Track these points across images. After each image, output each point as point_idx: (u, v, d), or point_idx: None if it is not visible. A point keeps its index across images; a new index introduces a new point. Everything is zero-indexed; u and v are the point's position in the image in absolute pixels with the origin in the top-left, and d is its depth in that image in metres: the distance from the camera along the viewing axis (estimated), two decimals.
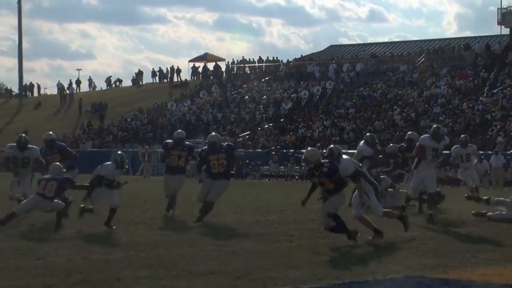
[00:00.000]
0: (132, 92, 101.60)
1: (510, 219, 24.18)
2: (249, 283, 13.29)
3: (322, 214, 19.07)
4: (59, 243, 18.26)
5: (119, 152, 21.78)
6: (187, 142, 25.82)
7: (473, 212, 27.89)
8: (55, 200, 20.69)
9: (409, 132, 31.63)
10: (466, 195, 29.41)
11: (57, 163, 21.81)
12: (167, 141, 25.99)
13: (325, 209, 18.43)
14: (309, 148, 20.63)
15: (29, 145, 25.18)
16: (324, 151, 22.93)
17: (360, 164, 20.46)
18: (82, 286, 12.78)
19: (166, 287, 12.84)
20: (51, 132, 27.44)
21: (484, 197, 26.80)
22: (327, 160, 18.93)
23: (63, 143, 28.94)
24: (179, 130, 29.54)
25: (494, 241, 19.52)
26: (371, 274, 14.46)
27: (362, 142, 29.74)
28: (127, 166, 21.57)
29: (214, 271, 14.39)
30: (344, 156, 19.75)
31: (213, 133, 27.65)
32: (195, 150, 26.12)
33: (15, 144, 25.29)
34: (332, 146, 20.66)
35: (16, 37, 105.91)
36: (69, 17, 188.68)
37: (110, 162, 21.42)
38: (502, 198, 26.78)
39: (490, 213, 25.93)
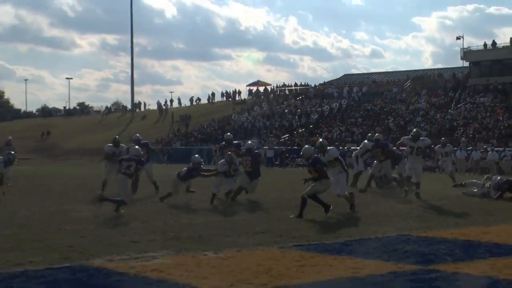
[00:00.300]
0: (207, 107, 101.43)
1: (479, 195, 24.48)
2: (289, 240, 13.63)
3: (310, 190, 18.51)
4: (158, 211, 18.69)
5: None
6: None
7: (453, 185, 28.23)
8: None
9: (376, 134, 31.22)
10: (453, 184, 29.54)
11: (137, 147, 21.35)
12: (222, 143, 25.98)
13: (311, 189, 18.19)
14: (306, 146, 20.39)
15: (121, 144, 25.46)
16: (341, 148, 23.34)
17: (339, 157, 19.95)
18: (174, 241, 13.22)
19: (231, 242, 13.16)
20: (137, 134, 27.56)
21: (463, 182, 27.20)
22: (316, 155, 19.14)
23: (147, 141, 28.11)
24: (228, 133, 29.74)
25: (461, 210, 19.54)
26: (373, 233, 14.80)
27: (365, 140, 29.89)
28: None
29: (264, 231, 14.81)
30: (331, 147, 20.26)
31: (249, 141, 27.56)
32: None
33: (111, 144, 25.60)
34: (321, 140, 20.83)
35: (129, 70, 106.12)
36: (165, 56, 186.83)
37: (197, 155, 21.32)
38: (475, 180, 27.14)
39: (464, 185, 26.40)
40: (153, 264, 10.69)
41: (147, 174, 25.52)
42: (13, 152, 17.11)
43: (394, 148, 28.40)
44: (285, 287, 9.04)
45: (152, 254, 11.68)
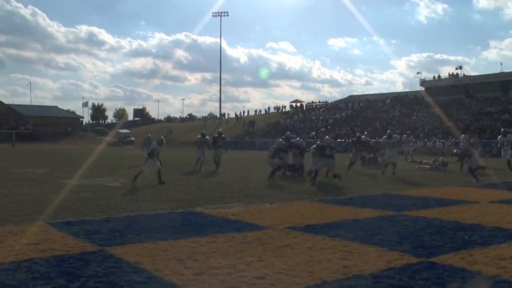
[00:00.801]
0: (265, 116, 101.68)
1: (430, 169, 24.22)
2: (315, 196, 13.68)
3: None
4: (235, 179, 18.47)
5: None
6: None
7: (410, 160, 27.93)
8: None
9: (358, 133, 30.45)
10: (410, 160, 29.23)
11: None
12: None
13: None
14: (297, 139, 20.66)
15: (206, 136, 24.63)
16: (346, 140, 22.84)
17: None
18: (245, 197, 13.24)
19: (280, 197, 13.14)
20: (220, 130, 26.18)
21: (420, 161, 26.93)
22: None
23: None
24: (288, 132, 29.20)
25: (419, 179, 19.45)
26: (366, 192, 14.68)
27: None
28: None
29: (300, 191, 14.80)
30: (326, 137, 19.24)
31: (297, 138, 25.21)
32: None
33: (200, 135, 24.70)
34: (327, 136, 20.45)
35: (218, 94, 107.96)
36: (239, 85, 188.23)
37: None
38: (426, 160, 26.82)
39: (422, 165, 26.07)
40: (232, 211, 10.79)
41: (218, 155, 23.82)
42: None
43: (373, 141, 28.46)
44: (313, 225, 9.01)
45: (231, 205, 11.75)
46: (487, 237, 8.04)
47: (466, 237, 8.06)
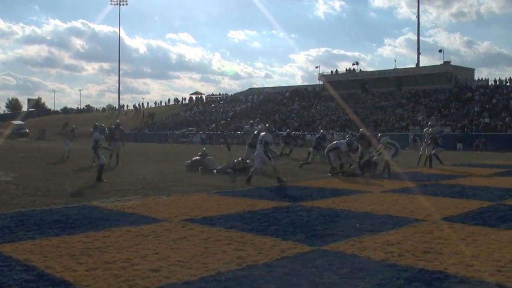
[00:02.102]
0: (165, 108, 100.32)
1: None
2: (213, 188, 13.67)
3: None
4: (132, 172, 18.23)
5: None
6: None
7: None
8: None
9: (322, 130, 28.64)
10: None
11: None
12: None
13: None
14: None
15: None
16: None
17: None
18: (142, 190, 13.06)
19: (177, 190, 13.04)
20: (118, 121, 25.52)
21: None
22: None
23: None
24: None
25: (314, 171, 20.09)
26: (264, 184, 14.88)
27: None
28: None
29: (198, 183, 14.76)
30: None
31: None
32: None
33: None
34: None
35: (117, 85, 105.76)
36: (138, 76, 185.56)
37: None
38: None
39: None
40: (129, 204, 10.69)
41: (116, 148, 22.61)
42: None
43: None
44: (210, 217, 9.07)
45: (128, 198, 11.63)
46: (377, 225, 8.43)
47: (357, 225, 8.40)
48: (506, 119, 51.50)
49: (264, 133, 16.13)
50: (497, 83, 66.64)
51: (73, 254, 6.36)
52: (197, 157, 19.60)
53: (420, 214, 9.58)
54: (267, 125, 18.03)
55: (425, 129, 23.76)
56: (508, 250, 6.71)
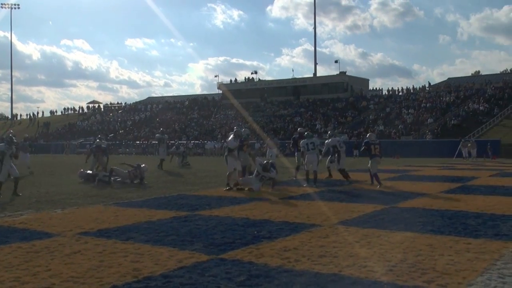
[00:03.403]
0: (61, 117, 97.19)
1: None
2: (110, 200, 13.37)
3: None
4: (27, 185, 17.72)
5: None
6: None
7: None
8: None
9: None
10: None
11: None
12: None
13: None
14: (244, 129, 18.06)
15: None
16: (145, 142, 21.19)
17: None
18: (35, 203, 12.58)
19: (73, 203, 12.66)
20: (11, 132, 24.13)
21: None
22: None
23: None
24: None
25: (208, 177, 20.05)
26: (162, 193, 14.64)
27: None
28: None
29: (94, 195, 14.44)
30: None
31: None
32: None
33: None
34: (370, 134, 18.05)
35: (9, 93, 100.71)
36: (32, 83, 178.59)
37: None
38: None
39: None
40: (20, 219, 10.24)
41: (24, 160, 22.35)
42: None
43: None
44: (106, 229, 8.87)
45: (20, 212, 11.16)
46: (274, 231, 8.53)
47: (255, 232, 8.47)
48: (399, 126, 53.89)
49: (229, 139, 16.51)
50: (390, 92, 69.73)
51: None
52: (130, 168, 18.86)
53: (317, 219, 9.79)
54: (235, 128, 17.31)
55: (326, 141, 20.64)
56: (399, 251, 6.99)
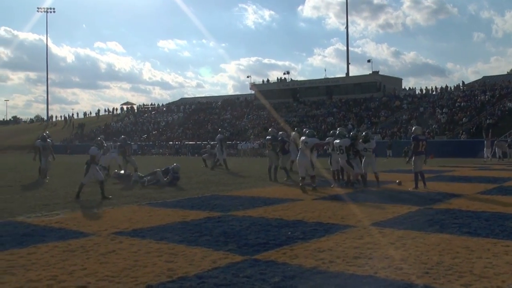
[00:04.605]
0: (95, 118, 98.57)
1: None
2: (144, 200, 13.50)
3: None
4: (62, 185, 17.89)
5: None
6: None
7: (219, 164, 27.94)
8: None
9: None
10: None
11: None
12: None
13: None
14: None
15: (48, 139, 21.53)
16: (178, 143, 21.15)
17: None
18: (71, 203, 12.78)
19: (107, 203, 12.82)
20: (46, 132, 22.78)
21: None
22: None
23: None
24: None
25: (247, 178, 20.15)
26: (195, 194, 14.75)
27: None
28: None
29: (129, 195, 14.60)
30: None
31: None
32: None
33: (40, 139, 21.44)
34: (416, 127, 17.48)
35: (45, 95, 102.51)
36: (67, 86, 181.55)
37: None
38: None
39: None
40: (56, 218, 10.39)
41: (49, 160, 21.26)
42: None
43: None
44: (140, 229, 8.93)
45: (56, 212, 11.32)
46: (308, 232, 8.48)
47: (289, 233, 8.44)
48: (433, 126, 53.21)
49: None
50: (424, 92, 68.88)
51: None
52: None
53: (350, 220, 9.72)
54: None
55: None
56: (435, 253, 6.88)
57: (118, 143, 21.64)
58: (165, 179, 17.81)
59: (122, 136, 22.10)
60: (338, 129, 17.26)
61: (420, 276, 5.78)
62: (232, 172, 23.60)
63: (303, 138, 15.88)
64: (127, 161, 20.23)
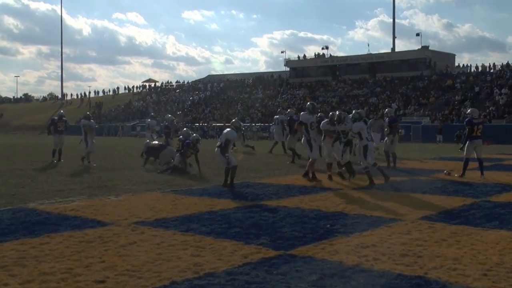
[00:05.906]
0: (113, 97, 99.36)
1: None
2: (167, 187, 13.54)
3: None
4: (77, 170, 18.02)
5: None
6: None
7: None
8: None
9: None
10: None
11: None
12: None
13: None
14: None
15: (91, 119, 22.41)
16: (206, 124, 21.54)
17: None
18: (87, 189, 12.87)
19: (127, 189, 12.90)
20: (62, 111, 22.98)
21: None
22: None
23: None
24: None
25: (281, 166, 20.14)
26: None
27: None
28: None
29: (150, 181, 14.73)
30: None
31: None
32: None
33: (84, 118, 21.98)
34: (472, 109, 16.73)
35: (59, 71, 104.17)
36: (83, 61, 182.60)
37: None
38: None
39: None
40: (71, 206, 10.47)
41: (60, 143, 21.56)
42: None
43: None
44: (164, 219, 8.97)
45: (71, 198, 11.42)
46: (349, 225, 8.43)
47: (328, 226, 8.38)
48: (490, 108, 52.41)
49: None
50: (480, 69, 67.78)
51: (5, 265, 6.15)
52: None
53: (397, 212, 9.62)
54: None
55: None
56: (494, 252, 6.75)
57: (166, 123, 21.76)
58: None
59: (169, 115, 22.19)
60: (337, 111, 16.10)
61: (477, 278, 5.65)
62: (264, 158, 23.55)
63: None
64: (168, 144, 20.28)
